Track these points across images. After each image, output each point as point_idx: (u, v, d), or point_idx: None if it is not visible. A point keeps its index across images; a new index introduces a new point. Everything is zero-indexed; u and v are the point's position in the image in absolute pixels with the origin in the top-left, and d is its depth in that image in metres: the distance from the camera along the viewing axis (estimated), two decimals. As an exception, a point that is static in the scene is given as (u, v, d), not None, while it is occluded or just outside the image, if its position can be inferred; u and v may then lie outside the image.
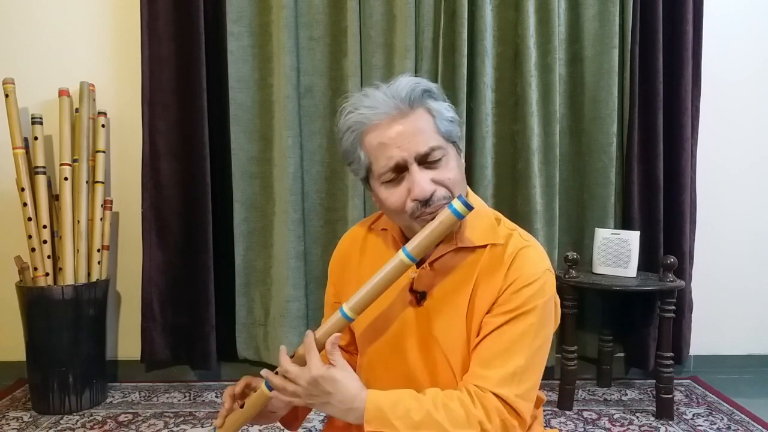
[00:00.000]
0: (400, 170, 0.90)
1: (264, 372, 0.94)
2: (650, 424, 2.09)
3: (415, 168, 0.89)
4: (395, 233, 1.03)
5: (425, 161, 0.90)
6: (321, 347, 0.91)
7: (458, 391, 0.90)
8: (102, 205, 2.34)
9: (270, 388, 0.94)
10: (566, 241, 2.50)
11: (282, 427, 1.12)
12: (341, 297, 1.09)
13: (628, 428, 2.06)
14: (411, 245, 0.88)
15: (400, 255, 0.89)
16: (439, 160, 0.91)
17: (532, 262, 0.94)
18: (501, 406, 0.88)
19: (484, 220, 0.99)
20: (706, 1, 2.40)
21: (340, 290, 1.11)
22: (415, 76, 0.96)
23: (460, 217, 0.87)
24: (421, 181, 0.89)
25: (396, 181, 0.91)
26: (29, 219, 2.21)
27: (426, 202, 0.89)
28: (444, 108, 0.95)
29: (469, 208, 0.86)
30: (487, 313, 0.93)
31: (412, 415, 0.86)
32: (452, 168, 0.92)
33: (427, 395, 0.89)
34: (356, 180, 2.34)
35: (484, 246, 0.96)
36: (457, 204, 0.86)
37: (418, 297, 0.98)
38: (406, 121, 0.90)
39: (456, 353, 0.95)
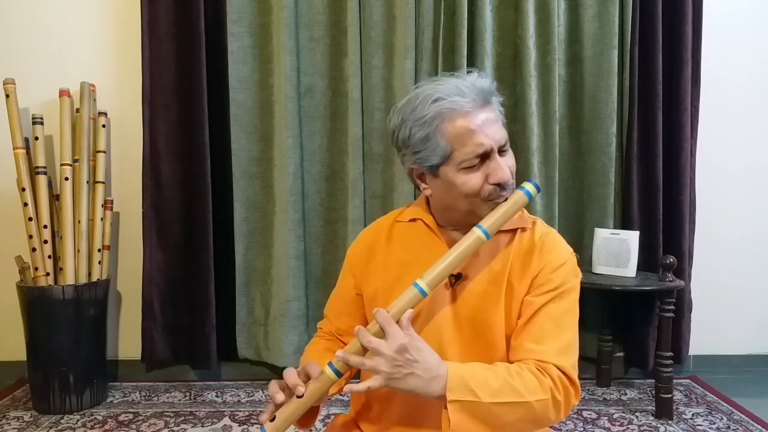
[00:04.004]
0: (485, 157, 0.96)
1: (339, 352, 0.89)
2: (650, 423, 2.10)
3: (496, 155, 0.97)
4: (429, 221, 1.07)
5: (501, 150, 0.98)
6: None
7: (525, 364, 0.94)
8: (102, 205, 2.35)
9: (337, 372, 0.89)
10: (566, 240, 2.49)
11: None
12: (362, 286, 1.11)
13: (628, 428, 2.07)
14: (487, 223, 0.96)
15: (477, 232, 0.95)
16: (508, 150, 1.01)
17: (560, 245, 1.04)
18: (563, 376, 0.94)
19: None
20: (706, 1, 2.41)
21: (362, 280, 1.11)
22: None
23: (531, 197, 0.98)
24: (504, 167, 0.97)
25: (476, 167, 0.96)
26: (30, 219, 2.22)
27: (503, 186, 0.97)
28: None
29: (538, 189, 0.99)
30: (526, 294, 0.99)
31: (491, 382, 0.89)
32: (512, 157, 1.02)
33: (499, 366, 0.93)
34: (356, 180, 2.39)
35: (514, 230, 1.04)
36: (528, 186, 0.98)
37: (454, 279, 1.02)
38: (488, 111, 0.97)
39: (494, 330, 1.00)
